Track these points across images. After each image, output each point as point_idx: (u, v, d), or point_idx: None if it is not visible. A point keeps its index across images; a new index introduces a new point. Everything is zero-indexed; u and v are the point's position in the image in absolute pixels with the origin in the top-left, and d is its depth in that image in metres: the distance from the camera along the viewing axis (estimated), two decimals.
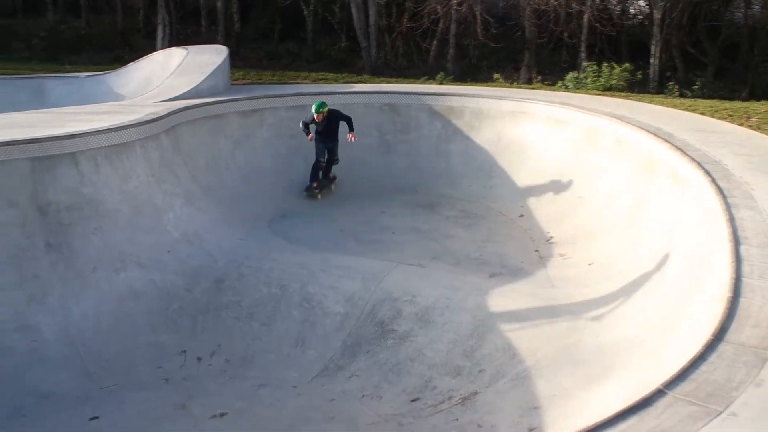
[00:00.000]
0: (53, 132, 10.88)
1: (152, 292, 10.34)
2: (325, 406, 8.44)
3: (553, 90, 20.52)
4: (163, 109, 13.58)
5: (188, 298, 10.45)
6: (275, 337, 9.86)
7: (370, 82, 21.35)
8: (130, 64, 20.71)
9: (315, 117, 14.43)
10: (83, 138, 10.83)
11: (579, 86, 21.40)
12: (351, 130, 14.58)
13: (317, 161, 15.07)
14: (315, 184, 15.03)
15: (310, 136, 14.57)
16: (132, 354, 9.45)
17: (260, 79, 22.04)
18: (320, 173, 15.23)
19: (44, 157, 10.29)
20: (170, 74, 17.96)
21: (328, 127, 14.80)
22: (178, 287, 10.56)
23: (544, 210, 13.49)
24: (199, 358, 9.54)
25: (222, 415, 8.29)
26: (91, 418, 8.24)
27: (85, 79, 20.45)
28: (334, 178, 15.55)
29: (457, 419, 7.92)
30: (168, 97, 15.58)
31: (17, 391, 8.55)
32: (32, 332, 9.26)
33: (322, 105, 14.52)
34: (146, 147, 11.95)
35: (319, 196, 14.94)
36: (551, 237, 12.41)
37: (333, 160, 15.26)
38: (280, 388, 8.92)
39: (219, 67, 17.93)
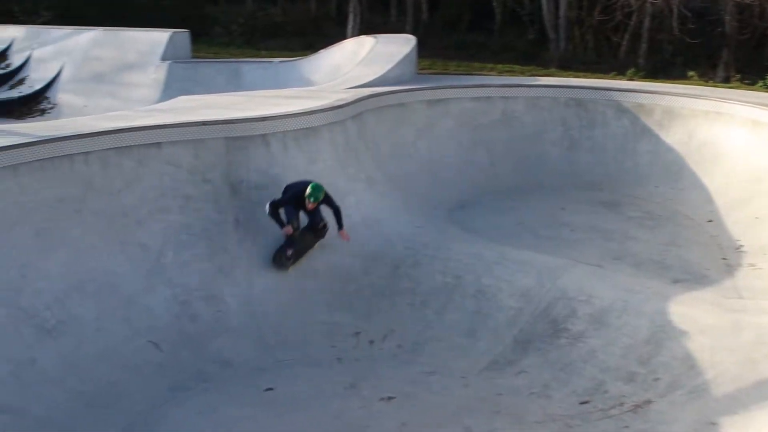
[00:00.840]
0: (247, 114, 11.42)
1: (331, 273, 10.68)
2: (492, 399, 8.41)
3: (753, 90, 19.37)
4: (350, 95, 13.91)
5: (365, 281, 10.69)
6: (447, 326, 9.92)
7: (556, 76, 20.97)
8: (321, 51, 21.32)
9: (307, 204, 10.44)
10: (274, 121, 11.31)
11: None
12: (340, 226, 10.75)
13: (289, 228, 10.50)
14: (290, 252, 10.57)
15: (287, 228, 10.36)
16: (308, 331, 9.80)
17: (446, 69, 22.11)
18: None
19: (238, 137, 10.83)
20: (359, 62, 18.35)
21: (312, 215, 10.76)
22: (356, 269, 10.83)
23: (735, 216, 12.76)
24: (371, 341, 9.74)
25: (390, 398, 8.44)
26: (267, 389, 8.62)
27: (278, 64, 21.28)
28: (323, 227, 10.94)
29: (627, 426, 7.68)
30: (356, 84, 15.93)
31: (201, 356, 9.09)
32: (218, 302, 9.81)
33: (318, 190, 10.42)
34: (333, 132, 12.31)
35: (290, 269, 10.69)
36: (741, 245, 11.75)
37: (318, 227, 10.87)
38: (448, 376, 8.97)
39: (406, 56, 18.15)
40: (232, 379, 8.80)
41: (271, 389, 8.63)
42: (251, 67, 21.40)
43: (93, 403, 7.95)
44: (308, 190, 10.31)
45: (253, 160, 11.00)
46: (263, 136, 11.18)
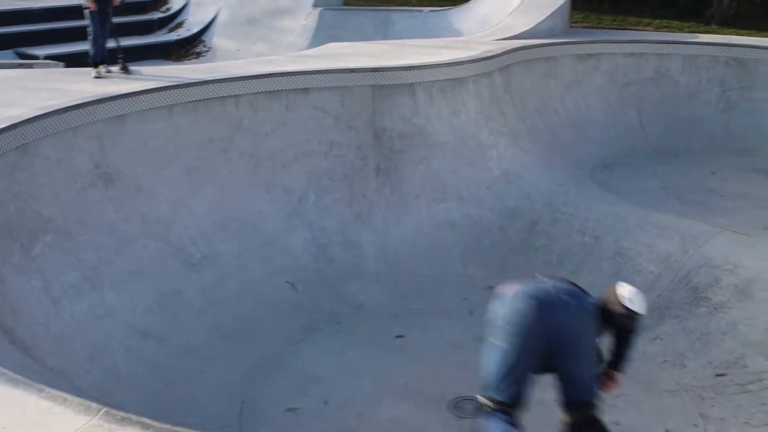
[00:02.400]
0: (394, 63, 11.49)
1: (467, 225, 10.70)
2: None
3: None
4: (498, 47, 13.73)
5: (501, 235, 10.66)
6: (583, 286, 9.75)
7: (718, 33, 19.94)
8: (471, 0, 21.10)
9: None
10: (421, 70, 11.34)
11: None
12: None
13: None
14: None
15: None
16: (441, 281, 9.89)
17: (599, 23, 21.44)
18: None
19: (384, 85, 10.93)
20: (510, 13, 18.04)
21: None
22: (493, 223, 10.80)
23: None
24: None
25: None
26: (397, 336, 8.80)
27: (428, 13, 21.20)
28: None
29: (765, 404, 7.40)
30: (505, 36, 15.69)
31: (335, 298, 9.37)
32: (355, 247, 10.05)
33: None
34: (479, 84, 12.22)
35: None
36: None
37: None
38: None
39: (559, 8, 17.67)
40: (364, 323, 9.03)
41: (402, 336, 8.80)
42: (401, 16, 21.42)
43: (229, 335, 8.38)
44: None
45: (398, 109, 11.09)
46: (409, 85, 11.23)
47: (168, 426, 3.74)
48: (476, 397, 5.45)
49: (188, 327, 8.29)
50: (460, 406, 7.44)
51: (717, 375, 7.93)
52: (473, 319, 9.22)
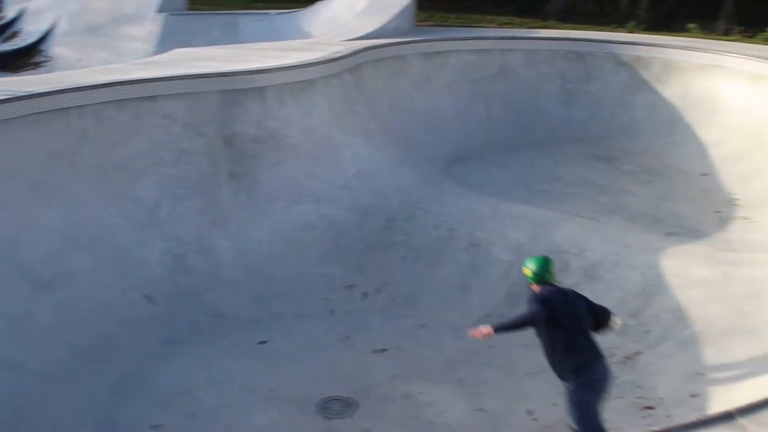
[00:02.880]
0: (243, 66, 11.38)
1: (325, 226, 10.72)
2: (484, 352, 8.51)
3: (753, 42, 19.21)
4: (347, 48, 13.82)
5: (358, 234, 10.74)
6: (439, 279, 10.00)
7: (556, 28, 20.79)
8: (319, 2, 21.13)
9: None
10: (270, 73, 11.27)
11: None
12: None
13: None
14: None
15: None
16: (302, 283, 9.89)
17: (445, 22, 21.92)
18: None
19: (233, 90, 10.80)
20: (357, 14, 18.18)
21: None
22: (350, 223, 10.87)
23: (730, 170, 12.77)
24: (365, 294, 9.84)
25: (382, 350, 8.56)
26: (261, 342, 8.74)
27: (275, 16, 21.12)
28: None
29: (616, 377, 7.78)
30: (353, 36, 15.80)
31: (195, 309, 9.20)
32: (212, 255, 9.89)
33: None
34: (329, 85, 12.27)
35: None
36: (735, 199, 11.78)
37: None
38: (440, 329, 9.08)
39: (405, 8, 17.95)
40: (227, 331, 8.93)
41: (265, 342, 8.76)
42: (248, 19, 21.23)
43: (87, 355, 8.07)
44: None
45: (249, 114, 10.99)
46: (259, 89, 11.14)
47: None
48: None
49: (42, 350, 7.89)
50: (328, 406, 7.49)
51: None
52: (335, 319, 9.30)
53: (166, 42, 19.28)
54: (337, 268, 10.20)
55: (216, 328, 8.96)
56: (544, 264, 6.88)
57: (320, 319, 9.28)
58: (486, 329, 6.59)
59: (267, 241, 10.28)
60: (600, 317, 6.80)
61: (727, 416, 4.55)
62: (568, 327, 6.44)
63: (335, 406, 7.48)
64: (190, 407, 7.47)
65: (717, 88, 14.65)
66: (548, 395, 7.57)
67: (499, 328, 6.65)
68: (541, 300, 6.55)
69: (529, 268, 6.85)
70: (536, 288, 6.74)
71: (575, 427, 6.36)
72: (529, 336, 8.61)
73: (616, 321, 6.84)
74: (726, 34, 21.71)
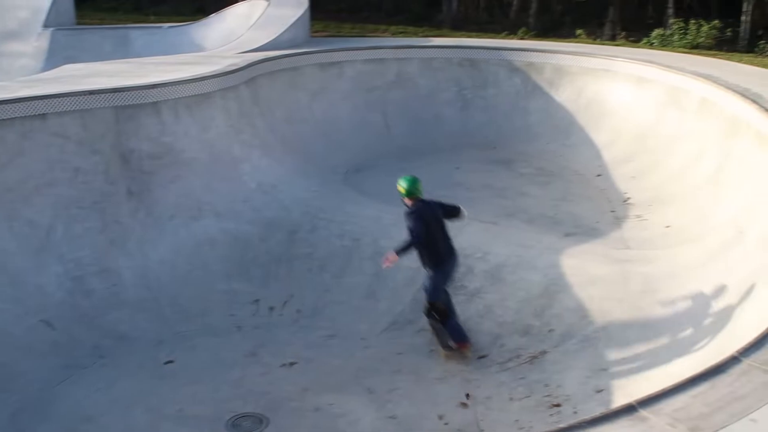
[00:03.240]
0: (137, 82, 11.12)
1: (227, 241, 10.57)
2: (393, 359, 8.54)
3: (638, 47, 19.99)
4: (242, 60, 13.71)
5: (262, 247, 10.63)
6: (346, 289, 9.98)
7: (449, 36, 21.12)
8: (212, 15, 20.90)
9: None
10: (165, 88, 11.04)
11: (665, 44, 20.80)
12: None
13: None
14: None
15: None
16: (206, 300, 9.71)
17: (339, 32, 22.03)
18: None
19: (127, 106, 10.54)
20: (251, 26, 18.07)
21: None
22: (253, 237, 10.75)
23: (622, 170, 13.21)
24: (271, 308, 9.73)
25: (291, 364, 8.47)
26: (166, 362, 8.52)
27: (168, 29, 20.74)
28: None
29: (523, 378, 7.94)
30: (248, 49, 15.69)
31: (97, 331, 8.90)
32: (112, 275, 9.58)
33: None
34: (226, 98, 12.12)
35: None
36: (628, 198, 12.17)
37: None
38: (349, 339, 9.05)
39: (299, 19, 17.95)
40: (130, 353, 8.66)
41: (171, 362, 8.54)
42: (140, 33, 20.78)
43: None
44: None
45: (144, 129, 10.73)
46: (154, 104, 10.90)
47: None
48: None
49: None
50: (238, 424, 7.37)
51: (479, 357, 8.37)
52: (242, 335, 9.16)
53: (54, 58, 18.68)
54: (242, 283, 10.06)
55: (119, 350, 8.68)
56: (413, 182, 8.67)
57: (226, 336, 9.11)
58: (392, 256, 8.19)
59: (169, 258, 10.05)
60: (453, 214, 8.90)
61: (630, 408, 4.66)
62: (435, 233, 8.50)
63: (246, 423, 7.36)
64: None
65: (606, 92, 15.16)
66: (458, 399, 7.65)
67: (399, 251, 8.24)
68: (417, 215, 8.41)
69: (401, 185, 8.64)
70: (409, 202, 8.60)
71: (427, 299, 8.54)
72: (434, 342, 8.78)
73: (464, 212, 8.98)
74: (612, 39, 22.52)
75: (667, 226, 10.68)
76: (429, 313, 8.58)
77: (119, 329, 9.01)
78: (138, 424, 7.36)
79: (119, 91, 10.62)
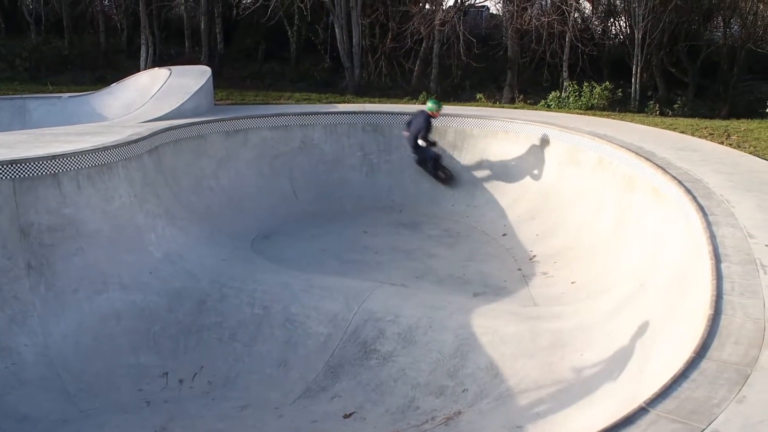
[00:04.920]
0: (35, 153, 10.84)
1: (134, 313, 10.28)
2: (308, 428, 8.38)
3: (536, 109, 20.65)
4: (145, 129, 13.54)
5: (170, 318, 10.38)
6: (258, 358, 9.81)
7: (353, 102, 21.42)
8: (113, 84, 20.66)
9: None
10: (65, 159, 10.78)
11: (561, 105, 21.57)
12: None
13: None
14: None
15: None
16: (113, 376, 9.37)
17: (243, 100, 22.04)
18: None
19: (26, 177, 10.24)
20: (153, 95, 17.93)
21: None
22: (160, 308, 10.49)
23: (526, 228, 13.53)
24: (180, 380, 9.47)
25: None
26: None
27: (67, 99, 20.36)
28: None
29: None
30: (151, 118, 15.54)
31: None
32: (12, 354, 9.16)
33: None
34: (129, 167, 11.91)
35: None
36: (534, 255, 12.44)
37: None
38: (262, 409, 8.86)
39: (202, 87, 17.92)
40: None
41: None
42: (38, 103, 20.31)
43: None
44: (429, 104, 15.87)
45: (44, 202, 10.42)
46: (54, 175, 10.61)
47: None
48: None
49: None
50: None
51: (344, 416, 8.30)
52: (151, 410, 8.86)
53: None
54: (150, 356, 9.77)
55: (20, 431, 8.29)
56: (439, 102, 15.85)
57: (135, 412, 8.78)
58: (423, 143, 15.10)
59: (72, 333, 9.68)
60: None
61: None
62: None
63: None
64: None
65: (508, 152, 15.58)
66: None
67: (428, 143, 15.41)
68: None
69: (432, 106, 15.62)
70: (434, 114, 15.59)
71: (434, 167, 15.60)
72: (353, 408, 8.70)
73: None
74: (512, 102, 23.23)
75: (573, 282, 10.95)
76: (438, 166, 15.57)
77: (20, 410, 8.58)
78: None
79: (17, 163, 10.33)
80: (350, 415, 8.59)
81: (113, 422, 8.57)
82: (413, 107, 19.35)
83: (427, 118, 15.31)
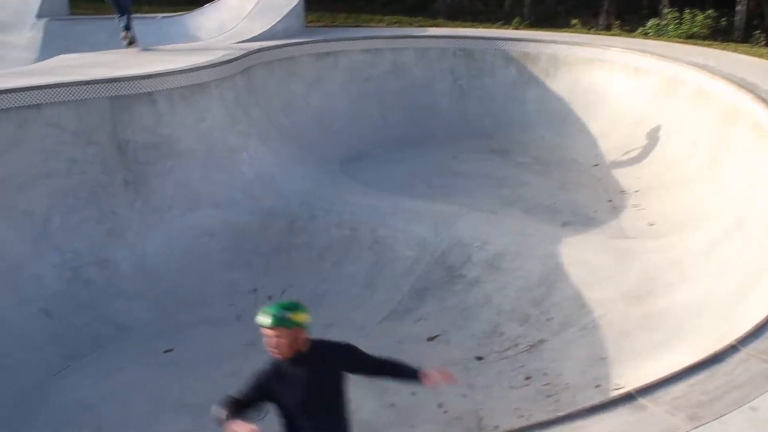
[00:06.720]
0: (131, 72, 11.07)
1: (226, 231, 10.54)
2: (392, 348, 8.48)
3: (633, 37, 19.95)
4: (237, 50, 13.65)
5: (261, 237, 10.61)
6: (345, 278, 9.97)
7: (444, 26, 21.07)
8: (206, 5, 20.77)
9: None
10: (160, 78, 10.99)
11: (660, 33, 20.78)
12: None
13: None
14: None
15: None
16: (205, 290, 9.69)
17: (334, 22, 21.93)
18: None
19: (123, 96, 10.48)
20: (245, 16, 17.99)
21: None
22: (252, 227, 10.72)
23: (619, 159, 13.21)
24: (269, 297, 9.69)
25: None
26: (166, 351, 8.52)
27: (162, 20, 20.60)
28: None
29: (523, 366, 7.94)
30: (243, 39, 15.65)
31: (96, 321, 8.89)
32: (111, 266, 9.56)
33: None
34: (221, 87, 12.07)
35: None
36: (625, 187, 12.18)
37: None
38: (347, 328, 9.01)
39: (293, 9, 17.88)
40: (129, 343, 8.66)
41: (170, 350, 8.54)
42: (134, 24, 20.59)
43: None
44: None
45: (140, 120, 10.67)
46: (149, 94, 10.83)
47: None
48: None
49: None
50: None
51: (476, 358, 8.31)
52: (241, 324, 9.13)
53: (49, 48, 18.53)
54: (241, 273, 10.04)
55: (119, 339, 8.68)
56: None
57: (226, 326, 9.10)
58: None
59: (167, 248, 10.01)
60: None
61: (629, 397, 4.69)
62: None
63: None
64: (95, 422, 7.21)
65: (602, 81, 15.14)
66: (457, 388, 7.64)
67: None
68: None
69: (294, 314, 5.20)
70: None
71: None
72: (437, 331, 8.79)
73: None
74: (607, 29, 22.51)
75: (664, 215, 10.69)
76: None
77: (118, 319, 9.01)
78: (138, 413, 7.36)
79: (115, 82, 10.56)
80: (434, 337, 8.69)
81: (205, 334, 8.90)
82: (506, 32, 18.96)
83: None
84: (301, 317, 5.23)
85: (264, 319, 4.94)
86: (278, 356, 5.06)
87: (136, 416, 7.28)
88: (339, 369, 5.27)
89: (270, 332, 4.95)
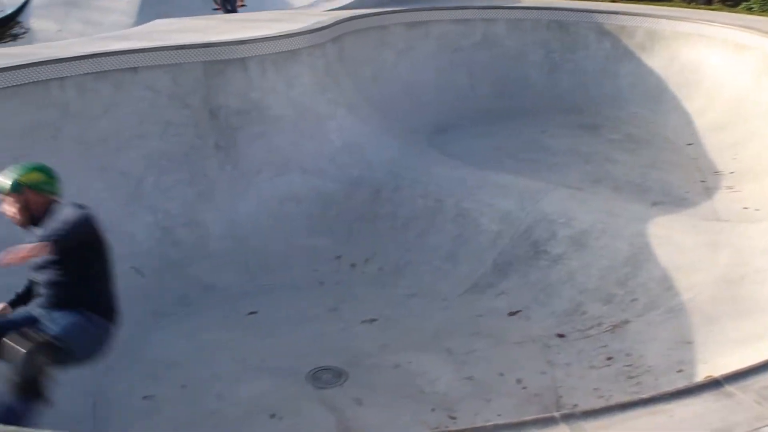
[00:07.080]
0: (224, 37, 11.25)
1: (312, 197, 10.66)
2: (472, 321, 8.53)
3: (735, 11, 19.25)
4: (329, 18, 13.70)
5: (346, 205, 10.69)
6: (428, 249, 9.98)
7: None
8: None
9: None
10: (252, 44, 11.14)
11: (764, 8, 19.99)
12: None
13: None
14: None
15: None
16: (289, 255, 9.84)
17: None
18: None
19: (216, 61, 10.68)
20: None
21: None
22: (338, 194, 10.81)
23: (715, 139, 12.80)
24: (353, 264, 9.81)
25: (371, 321, 8.55)
26: (250, 313, 8.70)
27: None
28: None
29: (605, 346, 7.83)
30: (334, 7, 15.70)
31: (183, 281, 9.13)
32: (200, 227, 9.80)
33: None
34: (312, 55, 12.15)
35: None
36: (721, 168, 11.82)
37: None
38: (429, 299, 9.08)
39: None
40: (215, 303, 8.87)
41: (254, 313, 8.72)
42: None
43: None
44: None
45: (232, 85, 10.87)
46: (242, 60, 11.01)
47: (13, 428, 3.52)
48: None
49: None
50: (318, 377, 7.49)
51: (558, 335, 8.24)
52: (324, 290, 9.29)
53: (145, 13, 19.06)
54: (325, 240, 10.16)
55: (204, 299, 8.91)
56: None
57: (308, 291, 9.25)
58: None
59: (254, 212, 10.21)
60: None
61: (715, 383, 4.57)
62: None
63: (326, 377, 7.47)
64: (181, 378, 7.43)
65: (700, 58, 14.66)
66: (537, 364, 7.63)
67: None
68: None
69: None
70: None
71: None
72: (518, 306, 8.75)
73: None
74: (708, 3, 21.71)
75: (761, 199, 10.35)
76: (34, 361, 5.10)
77: (205, 280, 9.24)
78: (221, 372, 7.54)
79: (208, 47, 10.77)
80: (515, 313, 8.66)
81: (288, 298, 9.07)
82: (602, 5, 18.51)
83: None
84: (31, 177, 5.12)
85: None
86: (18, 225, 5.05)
87: (219, 376, 7.46)
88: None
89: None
